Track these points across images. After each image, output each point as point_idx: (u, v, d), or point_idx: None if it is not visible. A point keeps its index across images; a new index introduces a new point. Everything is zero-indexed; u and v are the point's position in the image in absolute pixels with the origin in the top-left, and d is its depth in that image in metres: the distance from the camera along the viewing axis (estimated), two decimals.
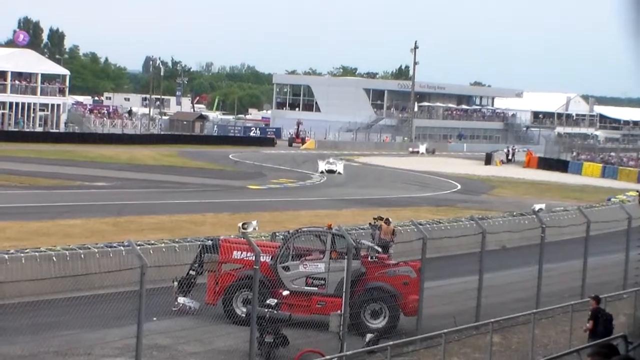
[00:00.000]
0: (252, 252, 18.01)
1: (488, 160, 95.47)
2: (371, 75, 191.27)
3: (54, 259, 24.14)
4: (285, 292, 21.64)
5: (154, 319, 19.68)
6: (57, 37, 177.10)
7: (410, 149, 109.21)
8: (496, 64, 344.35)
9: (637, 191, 54.75)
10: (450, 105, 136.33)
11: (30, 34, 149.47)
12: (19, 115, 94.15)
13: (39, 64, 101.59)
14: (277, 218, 39.85)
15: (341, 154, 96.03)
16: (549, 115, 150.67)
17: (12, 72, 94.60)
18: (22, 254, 24.04)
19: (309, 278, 22.68)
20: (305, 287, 22.59)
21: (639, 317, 22.27)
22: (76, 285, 21.99)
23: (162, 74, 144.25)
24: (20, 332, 18.59)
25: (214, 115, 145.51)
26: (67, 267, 23.98)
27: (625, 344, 14.96)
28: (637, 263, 28.70)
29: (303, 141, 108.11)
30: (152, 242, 27.09)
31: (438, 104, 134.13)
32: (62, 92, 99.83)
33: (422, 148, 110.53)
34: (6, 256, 23.63)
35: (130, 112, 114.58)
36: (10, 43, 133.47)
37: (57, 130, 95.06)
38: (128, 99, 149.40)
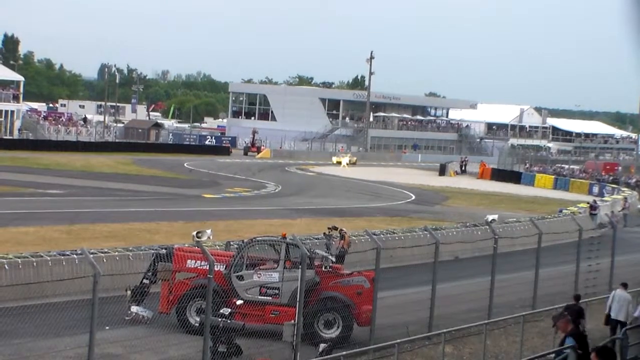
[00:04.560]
0: (206, 261, 18.00)
1: (442, 171, 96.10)
2: (327, 85, 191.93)
3: (6, 267, 23.93)
4: (239, 302, 21.61)
5: (107, 327, 19.58)
6: (11, 42, 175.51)
7: None
8: (451, 75, 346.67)
9: (588, 203, 55.42)
10: (406, 115, 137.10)
11: None
12: None
13: None
14: (232, 227, 39.81)
15: (296, 163, 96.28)
16: (502, 126, 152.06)
17: None
18: None
19: (263, 287, 22.69)
20: (259, 297, 22.59)
21: (589, 329, 22.54)
22: (28, 293, 21.84)
23: (117, 81, 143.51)
24: None
25: (170, 123, 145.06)
26: (19, 275, 23.79)
27: (576, 354, 15.18)
28: (587, 274, 29.05)
29: (259, 150, 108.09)
30: (106, 250, 26.95)
31: (393, 114, 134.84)
32: (16, 98, 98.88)
33: None
34: None
35: (85, 120, 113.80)
36: None
37: (11, 137, 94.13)
38: (83, 106, 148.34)
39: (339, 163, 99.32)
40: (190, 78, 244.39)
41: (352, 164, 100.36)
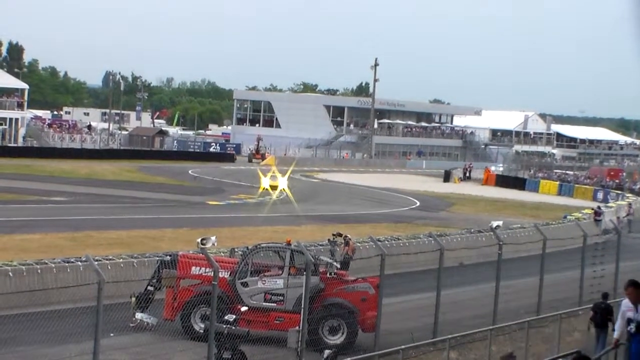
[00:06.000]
0: (211, 267, 18.01)
1: (447, 177, 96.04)
2: (331, 92, 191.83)
3: (10, 274, 23.95)
4: (244, 308, 21.62)
5: (111, 334, 19.61)
6: (16, 50, 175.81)
7: None
8: (455, 82, 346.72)
9: (593, 209, 55.35)
10: (410, 122, 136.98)
11: None
12: None
13: None
14: (236, 234, 39.82)
15: (301, 170, 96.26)
16: (507, 133, 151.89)
17: None
18: None
19: (268, 294, 22.70)
20: (264, 303, 22.60)
21: (593, 333, 22.55)
22: (33, 300, 21.85)
23: (122, 88, 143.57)
24: None
25: (174, 130, 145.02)
26: (24, 282, 23.81)
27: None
28: (591, 280, 29.01)
29: (263, 157, 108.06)
30: (110, 257, 26.97)
31: (398, 121, 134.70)
32: (20, 106, 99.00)
33: None
34: None
35: (89, 127, 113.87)
36: None
37: (16, 145, 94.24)
38: (87, 114, 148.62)
39: (274, 188, 63.47)
40: (194, 85, 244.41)
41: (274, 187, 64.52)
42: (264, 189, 63.45)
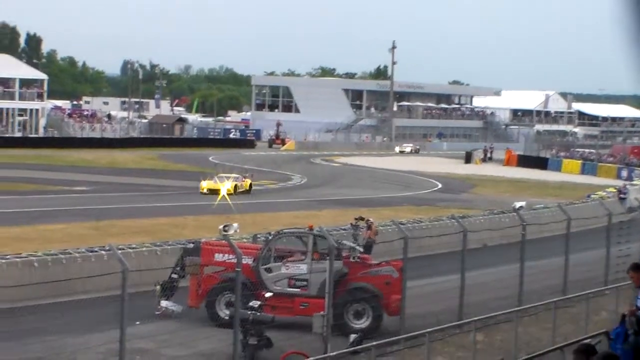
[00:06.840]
0: (234, 254, 17.97)
1: (468, 159, 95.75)
2: (350, 76, 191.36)
3: (36, 265, 24.01)
4: (268, 294, 21.60)
5: (137, 323, 19.62)
6: (34, 41, 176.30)
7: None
8: (474, 62, 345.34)
9: (617, 187, 54.99)
10: (430, 104, 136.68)
11: (8, 39, 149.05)
12: None
13: (16, 69, 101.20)
14: (258, 220, 39.79)
15: (321, 155, 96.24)
16: (527, 113, 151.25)
17: None
18: (4, 260, 23.90)
19: (291, 279, 22.66)
20: (288, 289, 22.56)
21: (620, 312, 22.38)
22: (58, 290, 21.91)
23: (140, 77, 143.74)
24: (1, 339, 18.50)
25: (194, 117, 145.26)
26: (49, 272, 23.86)
27: (608, 340, 15.03)
28: (617, 259, 28.77)
29: (283, 142, 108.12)
30: (134, 245, 26.98)
31: (417, 103, 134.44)
32: (40, 96, 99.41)
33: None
34: None
35: (109, 116, 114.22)
36: None
37: (36, 135, 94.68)
38: (107, 103, 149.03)
39: (214, 191, 50.87)
40: (212, 72, 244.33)
41: (241, 190, 53.95)
42: (203, 189, 53.07)
